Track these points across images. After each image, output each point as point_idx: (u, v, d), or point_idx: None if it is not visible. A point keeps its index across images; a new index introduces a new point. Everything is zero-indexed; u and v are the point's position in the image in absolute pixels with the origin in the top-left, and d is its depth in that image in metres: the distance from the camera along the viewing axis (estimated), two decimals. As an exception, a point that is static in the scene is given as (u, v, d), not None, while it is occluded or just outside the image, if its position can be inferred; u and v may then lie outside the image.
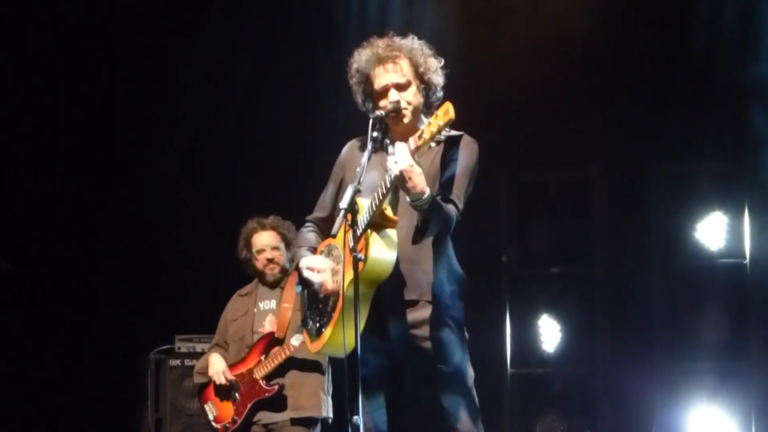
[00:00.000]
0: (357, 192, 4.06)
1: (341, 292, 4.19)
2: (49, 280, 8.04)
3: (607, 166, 7.49)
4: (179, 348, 7.59)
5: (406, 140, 4.15)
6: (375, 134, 4.23)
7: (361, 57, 4.39)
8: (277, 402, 6.24)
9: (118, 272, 8.02)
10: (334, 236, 4.24)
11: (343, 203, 4.05)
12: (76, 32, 7.73)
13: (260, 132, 7.95)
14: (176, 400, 7.52)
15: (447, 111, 3.98)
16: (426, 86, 4.37)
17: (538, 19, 7.30)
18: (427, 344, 4.30)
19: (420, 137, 4.03)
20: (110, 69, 7.90)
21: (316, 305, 4.41)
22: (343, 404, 4.03)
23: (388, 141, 4.41)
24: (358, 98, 4.44)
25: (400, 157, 4.02)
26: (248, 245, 6.51)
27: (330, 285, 4.30)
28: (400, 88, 4.33)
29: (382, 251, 4.17)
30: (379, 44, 4.38)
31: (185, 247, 7.92)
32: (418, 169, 4.04)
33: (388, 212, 4.19)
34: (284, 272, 6.45)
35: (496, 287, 7.48)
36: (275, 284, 6.47)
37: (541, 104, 7.38)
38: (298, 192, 7.42)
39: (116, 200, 8.05)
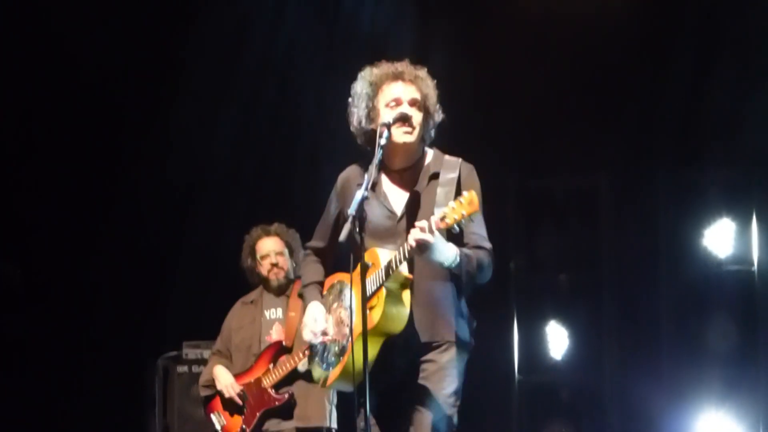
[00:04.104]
0: (365, 199, 4.02)
1: (349, 345, 4.15)
2: (56, 286, 8.04)
3: (614, 173, 7.50)
4: (187, 354, 7.57)
5: (401, 179, 4.24)
6: (383, 141, 4.15)
7: (373, 71, 4.32)
8: (285, 410, 6.24)
9: (126, 278, 8.02)
10: (342, 241, 4.17)
11: (352, 209, 4.02)
12: (79, 33, 7.75)
13: (266, 141, 7.95)
14: (184, 406, 7.50)
15: (472, 201, 3.86)
16: (427, 117, 4.29)
17: (546, 27, 7.30)
18: (426, 374, 4.23)
19: (442, 220, 3.92)
20: (115, 78, 7.91)
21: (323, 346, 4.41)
22: (348, 414, 4.01)
23: (383, 177, 4.33)
24: (360, 113, 4.31)
25: (425, 233, 3.94)
26: (253, 252, 6.47)
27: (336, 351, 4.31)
28: (413, 104, 4.26)
29: (394, 309, 4.13)
30: (398, 63, 4.33)
31: (193, 254, 7.93)
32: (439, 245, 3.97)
33: (403, 272, 4.12)
34: (288, 279, 6.44)
35: (503, 294, 7.48)
36: (280, 291, 6.45)
37: (548, 112, 7.38)
38: (299, 199, 7.48)
39: (124, 206, 8.06)
